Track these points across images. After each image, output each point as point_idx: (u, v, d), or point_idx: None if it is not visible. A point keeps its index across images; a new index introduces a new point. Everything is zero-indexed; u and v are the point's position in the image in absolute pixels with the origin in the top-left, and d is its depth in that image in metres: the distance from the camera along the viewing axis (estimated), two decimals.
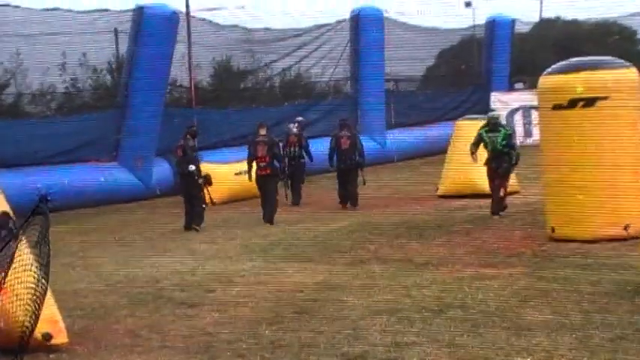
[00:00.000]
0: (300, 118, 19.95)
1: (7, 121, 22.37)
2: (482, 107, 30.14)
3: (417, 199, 17.92)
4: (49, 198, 3.26)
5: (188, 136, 16.09)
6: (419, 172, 22.16)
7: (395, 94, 30.77)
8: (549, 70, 12.93)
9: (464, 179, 18.31)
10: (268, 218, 15.68)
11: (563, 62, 12.96)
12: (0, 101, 25.03)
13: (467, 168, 18.32)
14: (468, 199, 17.63)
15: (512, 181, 18.36)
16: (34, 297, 3.43)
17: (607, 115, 12.00)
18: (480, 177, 18.11)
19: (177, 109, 24.43)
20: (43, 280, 3.37)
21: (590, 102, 12.06)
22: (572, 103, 12.17)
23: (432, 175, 19.43)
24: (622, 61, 12.82)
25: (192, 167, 15.48)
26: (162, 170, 21.24)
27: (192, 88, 25.28)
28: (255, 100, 28.28)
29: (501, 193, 15.68)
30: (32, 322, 3.43)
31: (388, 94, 29.23)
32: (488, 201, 17.22)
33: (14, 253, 3.93)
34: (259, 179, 16.20)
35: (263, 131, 16.78)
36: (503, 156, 15.59)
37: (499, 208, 15.55)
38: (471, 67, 35.71)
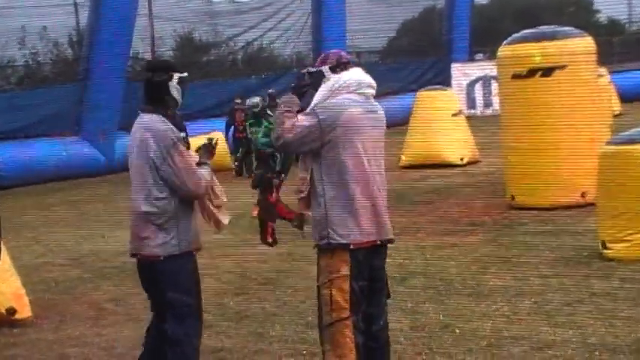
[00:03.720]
0: (271, 91, 19.99)
1: None
2: (444, 78, 30.34)
3: None
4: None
5: None
6: None
7: (356, 64, 30.72)
8: (508, 40, 13.04)
9: (427, 150, 18.44)
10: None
11: (522, 32, 13.00)
12: None
13: (429, 138, 18.53)
14: (431, 169, 17.75)
15: (473, 150, 18.55)
16: None
17: (564, 84, 12.11)
18: (443, 147, 18.34)
19: (138, 83, 24.19)
20: None
21: (548, 71, 12.19)
22: (531, 73, 12.31)
23: (394, 146, 19.45)
24: (579, 30, 12.93)
25: None
26: (124, 144, 20.99)
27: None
28: (219, 73, 28.19)
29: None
30: None
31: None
32: (451, 171, 17.43)
33: None
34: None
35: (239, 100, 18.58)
36: (267, 159, 12.06)
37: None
38: (432, 38, 35.80)
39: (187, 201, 5.56)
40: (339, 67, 5.33)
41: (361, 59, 32.61)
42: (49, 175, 20.13)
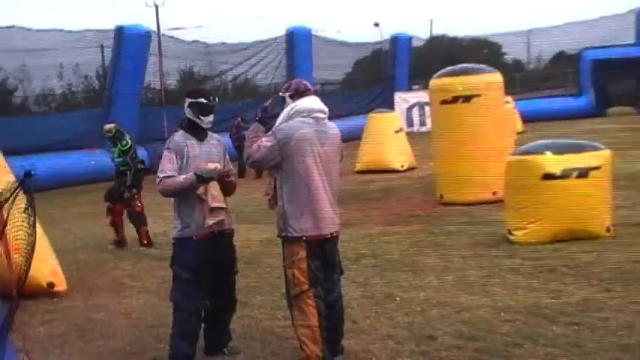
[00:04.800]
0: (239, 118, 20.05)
1: (16, 118, 22.05)
2: (389, 103, 30.43)
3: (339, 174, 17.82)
4: (33, 173, 3.25)
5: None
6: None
7: (320, 93, 30.72)
8: (438, 74, 13.11)
9: (375, 158, 18.55)
10: None
11: (448, 68, 13.09)
12: (11, 102, 24.76)
13: (377, 150, 18.59)
14: (379, 173, 17.77)
15: (411, 159, 18.61)
16: (26, 250, 3.46)
17: (480, 108, 12.22)
18: (388, 156, 18.41)
19: (150, 107, 24.26)
20: (31, 238, 3.40)
21: (467, 98, 12.29)
22: (455, 99, 12.39)
23: (350, 155, 19.46)
24: (491, 68, 13.04)
25: None
26: (139, 155, 20.90)
27: (163, 91, 25.09)
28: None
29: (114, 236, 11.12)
30: (25, 270, 3.47)
31: (316, 94, 29.19)
32: (394, 175, 17.46)
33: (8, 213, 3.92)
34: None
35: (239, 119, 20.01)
36: (121, 175, 11.15)
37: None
38: (379, 72, 35.92)
39: (185, 197, 5.49)
40: (297, 94, 5.33)
41: (325, 88, 32.72)
42: (79, 180, 20.01)
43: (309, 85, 5.51)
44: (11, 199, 3.84)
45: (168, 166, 5.48)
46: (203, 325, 5.76)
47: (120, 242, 11.09)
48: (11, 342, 3.63)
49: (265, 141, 5.14)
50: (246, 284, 7.70)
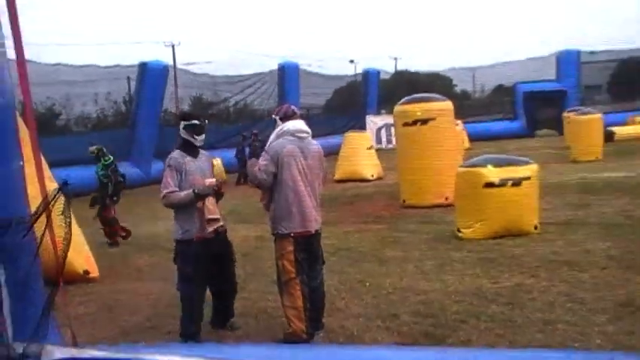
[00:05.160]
0: (255, 131, 19.98)
1: (60, 137, 21.97)
2: (361, 125, 30.43)
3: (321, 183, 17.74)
4: (68, 183, 3.23)
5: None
6: None
7: (306, 116, 30.71)
8: (400, 102, 13.08)
9: (350, 169, 18.52)
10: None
11: (409, 97, 13.06)
12: (56, 124, 24.75)
13: (352, 162, 18.57)
14: (353, 182, 17.72)
15: (379, 170, 18.60)
16: (64, 245, 3.45)
17: (435, 129, 12.25)
18: (361, 168, 18.39)
19: (167, 127, 24.16)
20: (67, 236, 3.39)
21: (424, 121, 12.30)
22: (415, 122, 12.40)
23: (330, 167, 19.43)
24: (443, 97, 13.02)
25: None
26: (158, 166, 20.83)
27: (178, 114, 25.02)
28: (219, 121, 28.09)
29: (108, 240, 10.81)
30: (63, 261, 3.47)
31: (302, 117, 29.17)
32: (366, 183, 17.42)
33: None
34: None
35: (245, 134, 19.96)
36: (105, 186, 11.14)
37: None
38: (354, 99, 35.95)
39: (185, 208, 5.36)
40: (285, 117, 5.33)
41: (310, 112, 32.74)
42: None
43: (296, 109, 5.52)
44: (52, 202, 3.81)
45: (170, 182, 5.38)
46: (212, 303, 5.74)
47: (125, 234, 10.98)
48: (53, 319, 3.61)
49: (262, 161, 5.14)
50: (243, 272, 7.67)
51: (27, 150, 3.54)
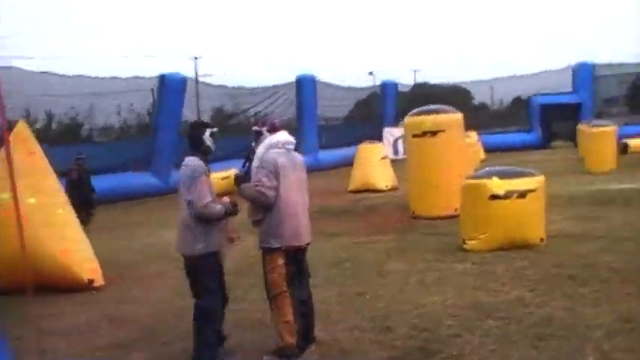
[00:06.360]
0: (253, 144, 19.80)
1: (84, 146, 22.13)
2: (379, 136, 30.17)
3: (334, 193, 17.65)
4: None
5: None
6: (338, 176, 21.99)
7: (324, 127, 30.59)
8: (410, 113, 12.90)
9: (365, 180, 18.32)
10: None
11: (419, 109, 12.81)
12: (80, 134, 24.95)
13: (367, 172, 18.36)
14: (367, 193, 17.51)
15: (394, 181, 18.32)
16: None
17: (444, 141, 12.05)
18: (375, 178, 18.17)
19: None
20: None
21: (434, 133, 12.11)
22: (424, 134, 12.22)
23: (345, 177, 19.37)
24: (453, 108, 12.72)
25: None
26: (177, 176, 20.79)
27: (194, 123, 25.06)
28: (239, 131, 28.07)
29: None
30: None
31: (320, 127, 29.19)
32: (380, 194, 17.19)
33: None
34: None
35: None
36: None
37: None
38: (373, 111, 35.77)
39: (211, 222, 5.00)
40: (272, 129, 5.21)
41: (328, 122, 32.64)
42: (130, 195, 19.92)
43: (279, 122, 5.36)
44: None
45: (207, 191, 4.97)
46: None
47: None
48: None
49: (262, 177, 4.93)
50: (246, 283, 7.56)
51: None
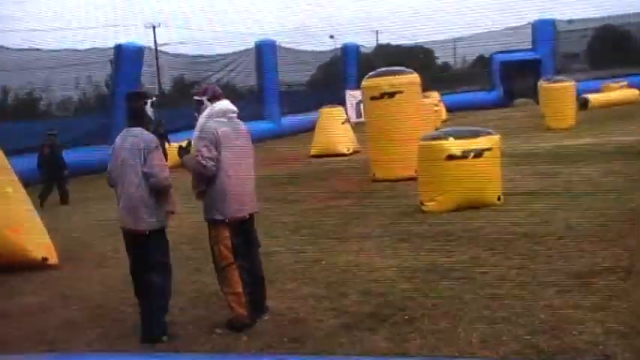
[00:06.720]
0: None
1: (41, 121, 21.54)
2: (341, 100, 29.94)
3: (296, 159, 17.46)
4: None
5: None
6: (301, 142, 21.71)
7: (285, 93, 30.13)
8: (368, 75, 12.75)
9: (326, 144, 18.17)
10: None
11: (375, 70, 12.66)
12: (38, 108, 24.34)
13: (328, 137, 18.20)
14: (329, 157, 17.29)
15: (355, 145, 18.23)
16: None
17: (402, 102, 11.92)
18: (336, 142, 18.05)
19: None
20: None
21: (391, 95, 11.98)
22: (382, 96, 12.07)
23: (308, 142, 19.17)
24: (410, 69, 12.57)
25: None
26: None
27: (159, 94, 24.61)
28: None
29: None
30: None
31: (281, 93, 28.80)
32: (342, 158, 17.09)
33: None
34: None
35: None
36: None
37: None
38: (335, 75, 35.43)
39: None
40: (213, 98, 5.03)
41: (290, 88, 32.22)
42: (88, 171, 19.44)
43: (220, 90, 5.19)
44: None
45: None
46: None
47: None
48: None
49: (201, 147, 4.79)
50: (203, 254, 7.42)
51: None
